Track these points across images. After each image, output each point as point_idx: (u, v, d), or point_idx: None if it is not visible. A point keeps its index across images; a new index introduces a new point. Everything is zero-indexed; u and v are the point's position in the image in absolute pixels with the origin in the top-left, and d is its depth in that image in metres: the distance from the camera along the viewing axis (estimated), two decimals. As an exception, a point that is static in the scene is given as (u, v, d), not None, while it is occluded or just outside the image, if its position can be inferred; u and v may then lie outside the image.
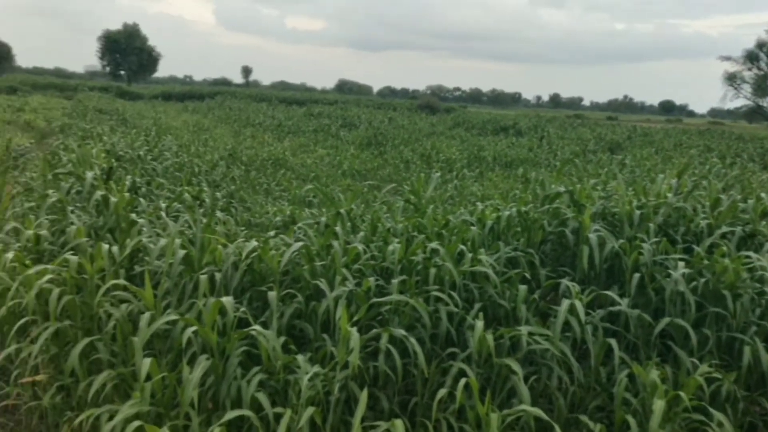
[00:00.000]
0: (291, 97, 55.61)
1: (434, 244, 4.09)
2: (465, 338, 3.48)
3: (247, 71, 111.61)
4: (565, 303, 3.49)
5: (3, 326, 3.87)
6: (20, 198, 6.76)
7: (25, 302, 3.54)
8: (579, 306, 3.48)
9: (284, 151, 16.56)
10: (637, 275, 3.92)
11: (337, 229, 4.49)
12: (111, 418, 2.96)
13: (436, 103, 56.90)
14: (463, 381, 3.00)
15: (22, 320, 3.54)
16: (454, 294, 3.62)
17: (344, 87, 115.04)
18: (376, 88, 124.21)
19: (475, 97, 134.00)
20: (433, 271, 3.79)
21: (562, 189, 4.92)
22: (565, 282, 3.88)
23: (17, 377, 3.63)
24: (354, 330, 3.10)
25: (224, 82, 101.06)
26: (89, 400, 3.15)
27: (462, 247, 4.07)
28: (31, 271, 3.55)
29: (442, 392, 3.07)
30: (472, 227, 4.53)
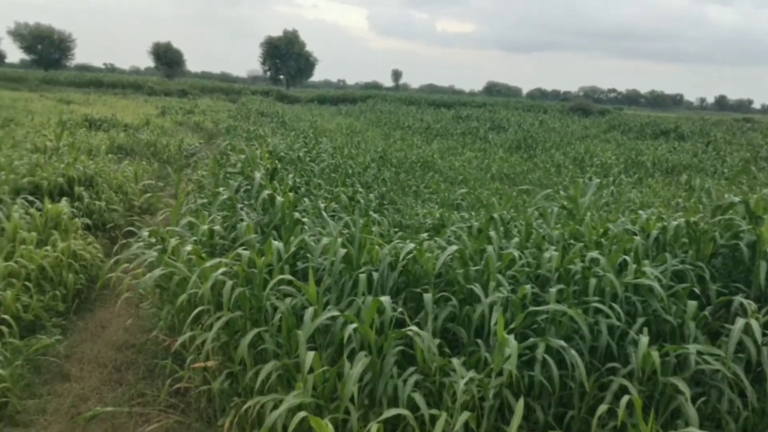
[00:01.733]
0: (439, 99, 55.90)
1: (594, 253, 3.95)
2: (626, 353, 3.34)
3: (397, 75, 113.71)
4: (740, 322, 3.25)
5: (180, 314, 4.21)
6: (193, 194, 7.33)
7: (201, 292, 3.83)
8: (755, 326, 3.22)
9: (432, 154, 16.68)
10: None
11: (491, 233, 4.47)
12: (275, 406, 3.14)
13: (589, 105, 54.85)
14: (625, 398, 2.88)
15: (198, 309, 3.83)
16: (616, 306, 3.49)
17: (493, 89, 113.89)
18: (525, 90, 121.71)
19: (631, 98, 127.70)
20: (593, 281, 3.67)
21: (736, 199, 4.58)
22: (738, 299, 3.61)
23: (191, 362, 3.93)
24: (511, 338, 3.07)
25: (375, 86, 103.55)
26: (255, 388, 3.36)
27: (624, 257, 3.91)
28: (208, 264, 3.84)
29: (603, 408, 2.96)
30: (635, 237, 4.33)
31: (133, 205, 8.67)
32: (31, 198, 6.85)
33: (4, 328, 4.26)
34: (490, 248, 4.08)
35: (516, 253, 4.12)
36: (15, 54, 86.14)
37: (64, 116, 18.03)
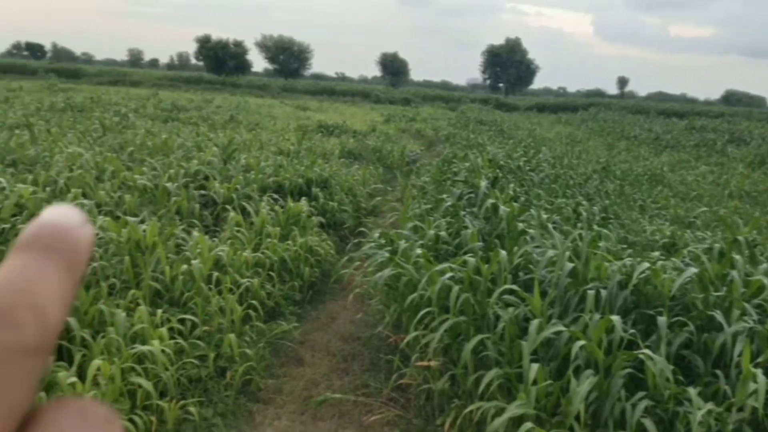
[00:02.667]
0: (670, 109, 52.25)
1: None
2: None
3: (622, 82, 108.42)
4: None
5: (406, 313, 4.41)
6: (417, 199, 7.61)
7: (427, 295, 3.99)
8: None
9: (661, 167, 15.68)
10: None
11: (735, 256, 4.11)
12: (497, 413, 3.17)
13: None
14: None
15: (424, 311, 3.99)
16: None
17: (732, 98, 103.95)
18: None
19: None
20: None
21: None
22: None
23: (414, 360, 4.10)
24: (759, 372, 2.81)
25: (598, 94, 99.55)
26: (477, 394, 3.42)
27: None
28: (436, 268, 3.98)
29: None
30: None
31: (360, 206, 9.21)
32: (275, 196, 7.58)
33: (252, 312, 4.75)
34: (734, 273, 3.76)
35: (766, 281, 3.75)
36: (260, 63, 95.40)
37: (301, 122, 19.67)
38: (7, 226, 4.90)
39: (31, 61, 71.20)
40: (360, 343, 4.99)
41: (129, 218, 5.23)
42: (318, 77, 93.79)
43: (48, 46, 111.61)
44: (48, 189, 6.17)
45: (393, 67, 79.12)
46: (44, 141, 9.27)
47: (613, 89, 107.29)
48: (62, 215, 0.30)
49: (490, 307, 3.80)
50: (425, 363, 3.97)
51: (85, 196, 6.08)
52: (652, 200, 10.99)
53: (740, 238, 4.63)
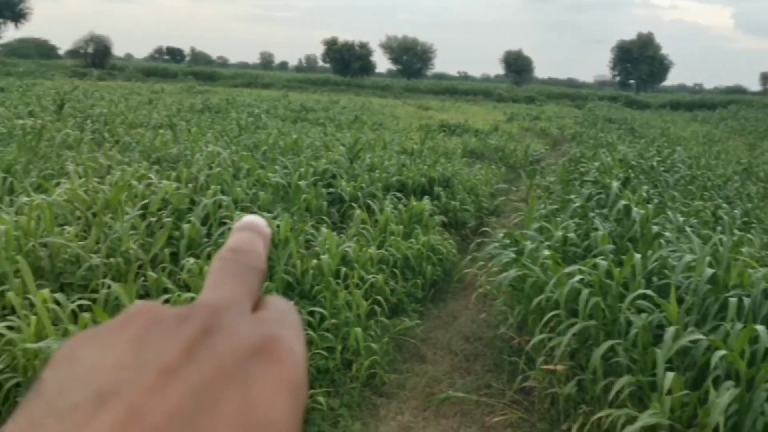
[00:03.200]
0: (822, 105, 47.99)
1: None
2: None
3: (766, 78, 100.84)
4: None
5: (531, 315, 4.35)
6: (543, 200, 7.46)
7: (554, 297, 3.91)
8: None
9: (812, 169, 14.43)
10: None
11: None
12: (628, 422, 3.06)
13: None
14: None
15: (551, 314, 3.91)
16: None
17: None
18: None
19: None
20: None
21: None
22: None
23: (540, 364, 4.03)
24: None
25: (738, 90, 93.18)
26: (606, 400, 3.32)
27: None
28: (566, 270, 3.89)
29: None
30: None
31: (482, 206, 9.15)
32: (398, 194, 7.68)
33: (377, 308, 4.85)
34: None
35: None
36: (383, 64, 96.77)
37: (423, 121, 19.79)
38: (154, 219, 5.27)
39: (172, 65, 76.11)
40: (482, 344, 4.97)
41: (263, 214, 5.49)
42: (440, 77, 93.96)
43: (186, 51, 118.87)
44: (189, 185, 6.59)
45: (516, 65, 77.91)
46: (185, 140, 9.89)
47: (755, 86, 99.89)
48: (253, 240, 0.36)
49: (621, 312, 3.68)
50: (551, 367, 3.90)
51: (223, 192, 6.43)
52: (801, 204, 10.16)
53: None
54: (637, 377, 3.32)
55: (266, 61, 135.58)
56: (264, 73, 68.13)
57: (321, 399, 3.68)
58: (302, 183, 7.00)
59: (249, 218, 0.38)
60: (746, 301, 3.55)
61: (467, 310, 5.65)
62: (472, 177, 10.00)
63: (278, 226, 5.13)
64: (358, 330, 4.25)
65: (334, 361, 4.04)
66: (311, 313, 4.33)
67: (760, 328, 3.09)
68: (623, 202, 5.29)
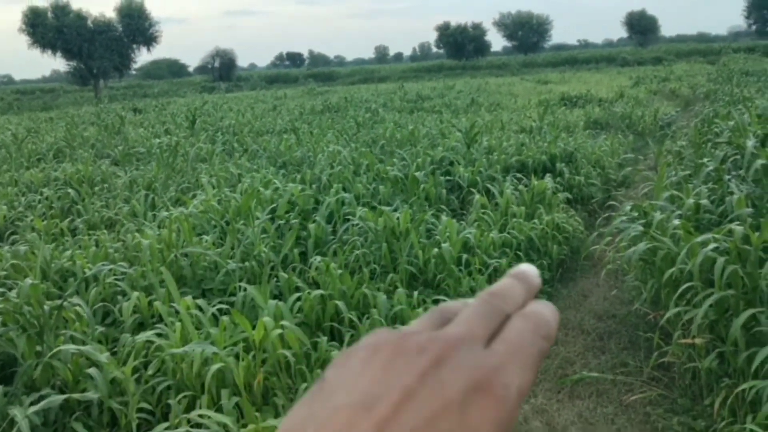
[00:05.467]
0: None
1: None
2: None
3: None
4: None
5: (665, 289, 4.17)
6: (673, 166, 7.09)
7: (688, 268, 3.73)
8: None
9: None
10: None
11: None
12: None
13: None
14: None
15: (685, 285, 3.74)
16: None
17: None
18: None
19: None
20: None
21: None
22: None
23: (677, 338, 3.86)
24: None
25: None
26: (750, 372, 3.14)
27: None
28: (697, 239, 3.71)
29: None
30: None
31: (609, 178, 8.82)
32: (518, 175, 7.58)
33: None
34: None
35: None
36: (498, 43, 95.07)
37: (542, 96, 19.29)
38: (282, 222, 5.55)
39: (292, 70, 78.95)
40: (616, 321, 4.82)
41: (384, 208, 5.62)
42: (559, 48, 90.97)
43: (305, 54, 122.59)
44: (314, 186, 6.86)
45: (640, 25, 73.89)
46: (308, 142, 10.27)
47: None
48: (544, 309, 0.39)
49: (763, 279, 3.45)
50: (689, 340, 3.72)
51: (345, 189, 6.64)
52: None
53: None
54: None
55: (381, 55, 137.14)
56: (379, 67, 69.07)
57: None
58: (419, 174, 7.07)
59: (521, 267, 0.41)
60: None
61: (598, 287, 5.50)
62: (597, 149, 9.66)
63: (398, 219, 5.24)
64: (484, 315, 4.26)
65: (462, 347, 4.08)
66: (435, 302, 4.39)
67: None
68: (761, 161, 4.93)
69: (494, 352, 0.34)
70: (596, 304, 5.21)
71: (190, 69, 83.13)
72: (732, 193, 4.65)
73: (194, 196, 6.29)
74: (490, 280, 4.85)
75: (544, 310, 0.38)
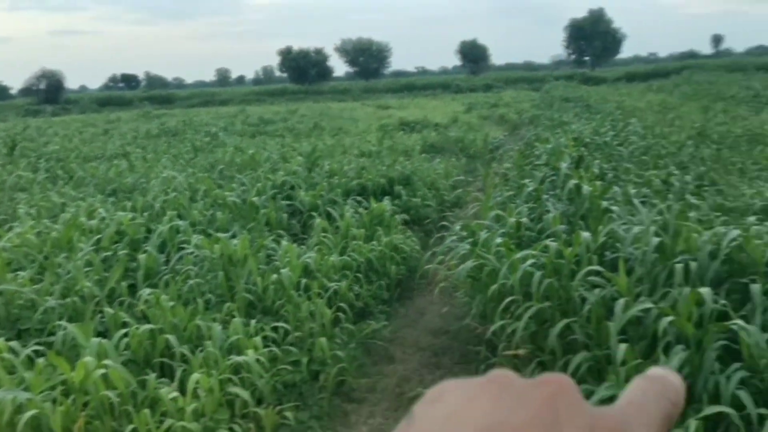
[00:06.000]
0: (771, 61, 49.04)
1: None
2: None
3: (717, 40, 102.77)
4: None
5: (490, 303, 4.40)
6: (500, 187, 7.54)
7: (510, 283, 3.97)
8: None
9: (762, 125, 14.73)
10: None
11: (839, 215, 3.85)
12: (587, 398, 3.12)
13: None
14: None
15: (507, 299, 3.97)
16: None
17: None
18: None
19: None
20: None
21: None
22: None
23: (502, 350, 4.08)
24: None
25: (691, 55, 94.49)
26: (567, 378, 3.37)
27: None
28: (517, 255, 3.95)
29: None
30: None
31: (444, 200, 9.21)
32: (359, 198, 7.71)
33: (341, 315, 4.87)
34: (836, 232, 3.53)
35: None
36: (341, 68, 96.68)
37: (382, 121, 19.83)
38: (109, 253, 5.24)
39: (127, 92, 75.24)
40: (449, 337, 5.02)
41: (221, 235, 5.48)
42: (398, 74, 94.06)
43: (141, 76, 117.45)
44: (146, 214, 6.54)
45: (473, 54, 78.31)
46: (141, 168, 9.82)
47: (707, 49, 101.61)
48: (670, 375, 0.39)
49: (574, 290, 3.74)
50: (513, 352, 3.95)
51: (180, 217, 6.40)
52: (752, 161, 10.38)
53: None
54: (593, 352, 3.38)
55: (223, 78, 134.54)
56: (221, 90, 67.77)
57: (289, 414, 3.68)
58: (255, 199, 6.99)
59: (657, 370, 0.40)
60: (693, 265, 3.63)
61: (433, 305, 5.70)
62: (432, 172, 10.06)
63: (236, 245, 5.13)
64: (323, 340, 4.27)
65: (300, 374, 4.05)
66: (275, 329, 4.33)
67: (704, 290, 3.17)
68: (573, 181, 5.37)
69: (618, 408, 0.34)
70: (431, 321, 5.38)
71: (13, 91, 77.05)
72: (549, 212, 5.02)
73: (10, 228, 5.78)
74: (330, 303, 4.87)
75: (670, 375, 0.39)
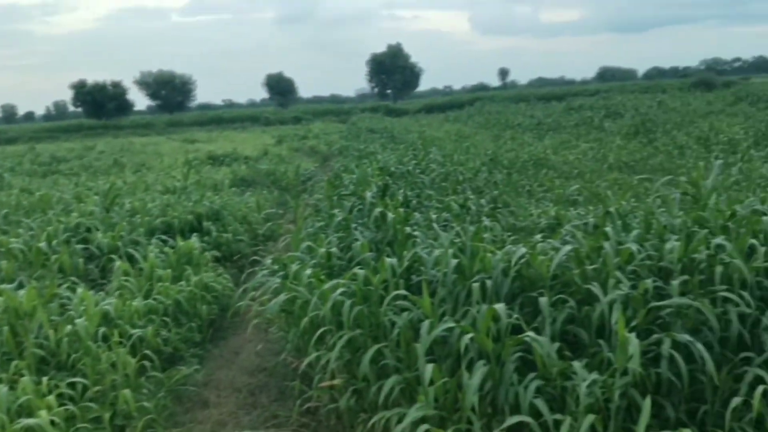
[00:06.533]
0: (549, 93, 54.62)
1: (720, 239, 3.74)
2: (762, 341, 3.13)
3: (503, 73, 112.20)
4: None
5: (304, 335, 4.38)
6: (311, 218, 7.59)
7: (322, 313, 3.98)
8: None
9: (545, 150, 16.31)
10: None
11: (607, 228, 4.33)
12: (399, 420, 3.19)
13: (712, 78, 51.64)
14: (760, 389, 2.71)
15: (320, 330, 3.98)
16: (745, 294, 3.28)
17: (606, 74, 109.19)
18: (641, 71, 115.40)
19: (760, 66, 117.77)
20: (719, 269, 3.47)
21: None
22: None
23: (318, 381, 4.08)
24: (632, 336, 2.97)
25: (482, 88, 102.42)
26: (380, 403, 3.43)
27: (753, 241, 3.67)
28: (327, 285, 3.98)
29: (737, 401, 2.80)
30: (765, 217, 4.05)
31: (257, 234, 9.09)
32: (164, 237, 7.36)
33: (147, 363, 4.58)
34: (607, 244, 3.95)
35: (635, 247, 3.96)
36: (142, 102, 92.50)
37: (189, 156, 19.22)
38: None
39: None
40: (266, 374, 4.93)
41: (4, 286, 4.95)
42: (205, 107, 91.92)
43: None
44: None
45: (280, 87, 78.79)
46: None
47: (495, 81, 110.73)
48: None
49: (384, 315, 3.84)
50: (329, 383, 3.95)
51: (-46, 270, 5.70)
52: (538, 184, 11.40)
53: (612, 209, 4.89)
54: (404, 375, 3.48)
55: (9, 114, 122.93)
56: (7, 128, 62.08)
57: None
58: (43, 245, 6.43)
59: None
60: (488, 283, 3.88)
61: (248, 343, 5.57)
62: (243, 206, 9.91)
63: (22, 297, 4.66)
64: (127, 392, 3.99)
65: (103, 431, 3.74)
66: (71, 385, 3.97)
67: (499, 306, 3.39)
68: (378, 209, 5.55)
69: None
70: (247, 360, 5.25)
71: None
72: (357, 240, 5.13)
73: None
74: (134, 351, 4.57)
75: None
